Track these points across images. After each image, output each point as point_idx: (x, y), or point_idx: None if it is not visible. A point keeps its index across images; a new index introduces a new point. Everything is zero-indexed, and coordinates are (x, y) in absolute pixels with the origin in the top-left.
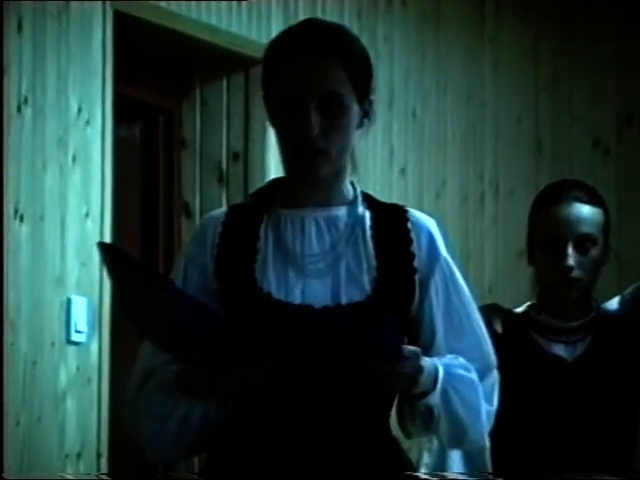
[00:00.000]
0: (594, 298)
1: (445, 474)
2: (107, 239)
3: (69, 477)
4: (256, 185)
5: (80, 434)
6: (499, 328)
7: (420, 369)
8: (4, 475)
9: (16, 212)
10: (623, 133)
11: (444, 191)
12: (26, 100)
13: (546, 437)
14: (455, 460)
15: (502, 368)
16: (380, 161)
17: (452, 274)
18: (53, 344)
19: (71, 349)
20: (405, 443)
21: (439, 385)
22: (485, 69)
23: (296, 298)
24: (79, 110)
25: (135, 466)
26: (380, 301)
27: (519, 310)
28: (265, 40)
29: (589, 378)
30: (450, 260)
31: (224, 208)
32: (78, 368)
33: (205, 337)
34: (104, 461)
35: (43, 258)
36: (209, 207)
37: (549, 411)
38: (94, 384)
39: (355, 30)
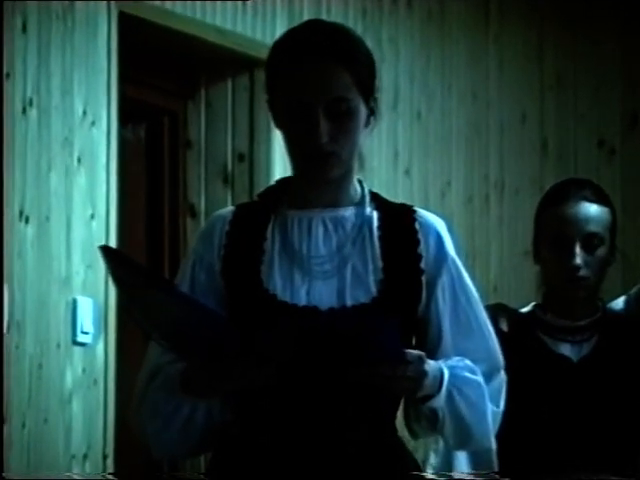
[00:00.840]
0: (600, 298)
1: (451, 474)
2: (113, 240)
3: (75, 477)
4: (261, 186)
5: (86, 435)
6: (505, 328)
7: (424, 373)
8: (4, 475)
9: (21, 213)
10: (628, 133)
11: (449, 191)
12: (31, 101)
13: (552, 437)
14: (461, 461)
15: (508, 368)
16: (385, 161)
17: (460, 275)
18: (59, 345)
19: (77, 350)
20: (411, 444)
21: (444, 388)
22: (490, 69)
23: (301, 299)
24: (84, 111)
25: (144, 465)
26: (386, 302)
27: (525, 310)
28: (270, 41)
29: (595, 378)
30: (458, 261)
31: (232, 207)
32: (84, 369)
33: (206, 339)
34: (110, 462)
35: (48, 259)
36: (214, 208)
37: (555, 411)
38: (100, 385)
39: (360, 31)
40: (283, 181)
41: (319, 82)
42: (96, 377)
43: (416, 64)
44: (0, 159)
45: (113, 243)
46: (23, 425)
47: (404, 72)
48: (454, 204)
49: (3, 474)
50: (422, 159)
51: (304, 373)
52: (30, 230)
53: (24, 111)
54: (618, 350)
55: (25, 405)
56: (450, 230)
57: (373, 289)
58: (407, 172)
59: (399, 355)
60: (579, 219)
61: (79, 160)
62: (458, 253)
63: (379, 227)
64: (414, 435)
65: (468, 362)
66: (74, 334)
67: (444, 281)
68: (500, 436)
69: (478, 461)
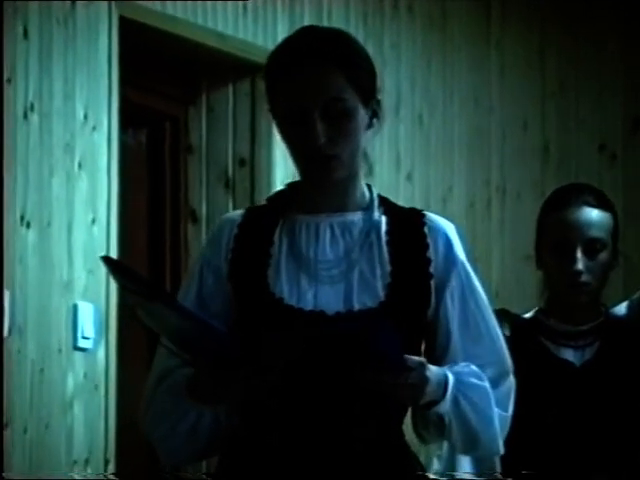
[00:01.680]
0: (602, 302)
1: (454, 474)
2: (114, 245)
3: (76, 477)
4: (263, 191)
5: (88, 440)
6: (508, 333)
7: (426, 379)
8: (4, 475)
9: (23, 218)
10: (629, 137)
11: (451, 196)
12: (32, 106)
13: (555, 441)
14: (465, 467)
15: None
16: (387, 166)
17: (469, 279)
18: (60, 350)
19: (78, 355)
20: (413, 447)
21: (449, 394)
22: (491, 74)
23: (308, 304)
24: (85, 116)
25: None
26: (393, 307)
27: (528, 315)
28: (271, 46)
29: (598, 383)
30: (467, 265)
31: (241, 210)
32: (85, 374)
33: (208, 350)
34: (112, 467)
35: (50, 264)
36: (216, 213)
37: (558, 416)
38: (101, 390)
39: (361, 36)
40: (293, 185)
41: (313, 84)
42: (97, 382)
43: (418, 69)
44: (1, 164)
45: (114, 248)
46: (25, 430)
47: (406, 77)
48: (456, 209)
49: (3, 474)
50: (424, 164)
51: (307, 379)
52: (31, 235)
53: (25, 116)
54: (621, 355)
55: (27, 410)
56: (460, 234)
57: (381, 293)
58: (409, 177)
59: (400, 362)
60: (581, 224)
61: (80, 165)
62: (468, 257)
63: (387, 232)
64: (423, 441)
65: (474, 368)
66: (75, 339)
67: (453, 285)
68: (504, 441)
69: (481, 467)
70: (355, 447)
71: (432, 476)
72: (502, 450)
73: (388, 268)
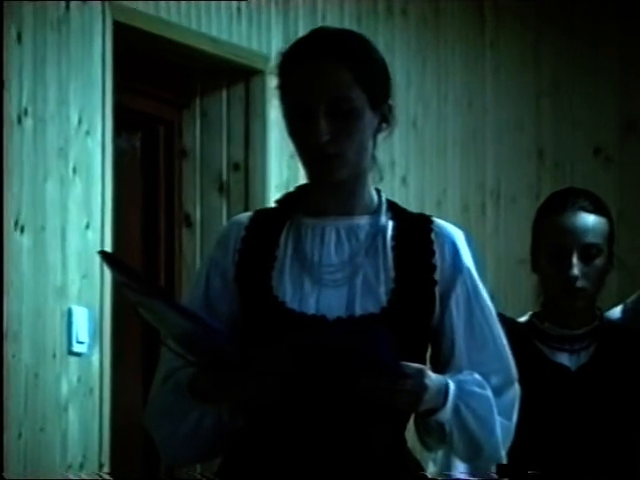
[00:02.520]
0: (598, 306)
1: (450, 473)
2: (108, 250)
3: (71, 477)
4: (257, 195)
5: (82, 444)
6: None
7: (424, 387)
8: (4, 475)
9: (17, 223)
10: (625, 140)
11: (445, 199)
12: (26, 111)
13: (550, 445)
14: (460, 468)
15: None
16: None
17: (475, 287)
18: (54, 355)
19: (72, 360)
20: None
21: (449, 402)
22: (486, 75)
23: (310, 308)
24: (79, 121)
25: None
26: (395, 313)
27: (522, 319)
28: (265, 51)
29: (593, 386)
30: (474, 272)
31: (249, 213)
32: (79, 379)
33: (207, 350)
34: (106, 470)
35: (44, 269)
36: (210, 217)
37: (553, 420)
38: (96, 394)
39: None
40: (301, 188)
41: (319, 81)
42: (92, 386)
43: (412, 71)
44: None
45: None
46: (19, 434)
47: (400, 79)
48: (450, 212)
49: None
50: (418, 167)
51: (306, 385)
52: (26, 240)
53: (19, 121)
54: (616, 358)
55: (21, 414)
56: (468, 241)
57: (383, 299)
58: (404, 180)
59: (396, 368)
60: (577, 230)
61: (74, 170)
62: (476, 264)
63: (393, 237)
64: (427, 448)
65: (477, 376)
66: (69, 344)
67: (458, 293)
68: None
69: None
70: (359, 452)
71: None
72: (504, 459)
73: (392, 273)
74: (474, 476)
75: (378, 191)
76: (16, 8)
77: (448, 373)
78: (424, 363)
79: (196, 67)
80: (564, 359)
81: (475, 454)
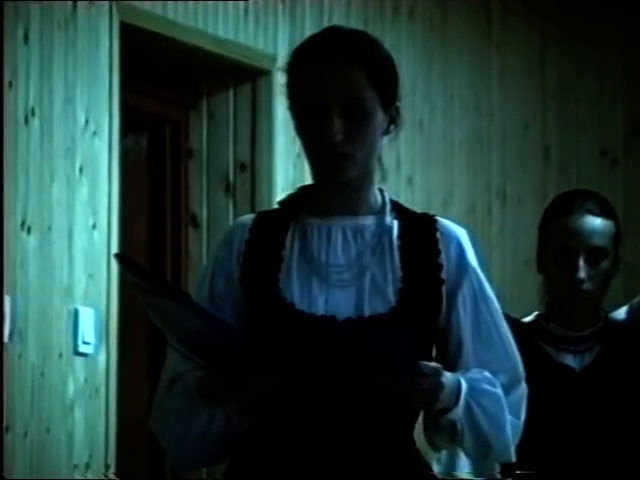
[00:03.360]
0: (602, 307)
1: (455, 474)
2: (114, 250)
3: (77, 477)
4: (263, 196)
5: (88, 445)
6: None
7: (441, 385)
8: (4, 475)
9: (23, 223)
10: (631, 142)
11: (451, 200)
12: (33, 111)
13: (555, 446)
14: (464, 468)
15: None
16: (388, 171)
17: (481, 285)
18: (61, 355)
19: (78, 360)
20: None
21: (462, 400)
22: (492, 78)
23: (319, 309)
24: (86, 121)
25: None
26: (404, 312)
27: (527, 319)
28: (272, 51)
29: (598, 387)
30: (479, 271)
31: (253, 214)
32: (86, 379)
33: (219, 349)
34: (112, 471)
35: (50, 269)
36: (216, 218)
37: (558, 420)
38: (102, 395)
39: None
40: (305, 188)
41: (335, 82)
42: (98, 387)
43: (418, 73)
44: (2, 168)
45: (115, 253)
46: (25, 434)
47: (406, 81)
48: (456, 213)
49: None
50: (424, 168)
51: (318, 384)
52: (32, 240)
53: (26, 121)
54: (621, 359)
55: (27, 414)
56: (472, 240)
57: (392, 299)
58: (410, 181)
59: (415, 368)
60: (584, 233)
61: (81, 170)
62: (480, 263)
63: (399, 236)
64: (435, 447)
65: (487, 374)
66: (75, 344)
67: (465, 292)
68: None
69: (480, 471)
70: (360, 452)
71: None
72: (514, 458)
73: (399, 273)
74: (478, 476)
75: (381, 191)
76: (23, 8)
77: (455, 372)
78: (431, 362)
79: (203, 67)
80: (569, 360)
81: (484, 452)
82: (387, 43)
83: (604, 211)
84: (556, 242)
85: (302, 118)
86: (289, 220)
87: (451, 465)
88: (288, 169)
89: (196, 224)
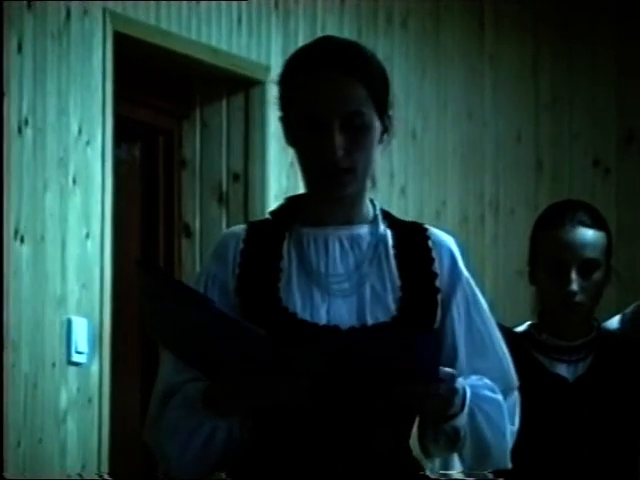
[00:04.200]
0: (595, 317)
1: (448, 472)
2: (107, 260)
3: (73, 476)
4: (256, 206)
5: (81, 454)
6: None
7: (455, 391)
8: (4, 475)
9: (17, 233)
10: (623, 152)
11: (444, 210)
12: (27, 121)
13: (548, 456)
14: (456, 466)
15: None
16: (380, 180)
17: (473, 293)
18: (54, 365)
19: (72, 370)
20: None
21: (467, 406)
22: (485, 87)
23: (322, 319)
24: (79, 131)
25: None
26: (405, 321)
27: (520, 329)
28: (265, 61)
29: (591, 397)
30: (471, 279)
31: (243, 225)
32: (79, 389)
33: (238, 354)
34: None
35: (44, 279)
36: (209, 228)
37: (551, 430)
38: (95, 404)
39: None
40: (294, 199)
41: (335, 96)
42: (91, 396)
43: (411, 83)
44: None
45: (108, 263)
46: (18, 444)
47: (399, 91)
48: (449, 223)
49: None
50: (417, 178)
51: (334, 391)
52: (25, 249)
53: (20, 131)
54: (614, 369)
55: (20, 424)
56: (458, 246)
57: (392, 308)
58: (402, 191)
59: (433, 372)
60: (576, 245)
61: (74, 180)
62: (468, 269)
63: (394, 246)
64: (428, 455)
65: (487, 381)
66: (69, 354)
67: (459, 299)
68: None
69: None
70: (364, 456)
71: (432, 476)
72: (510, 464)
73: (398, 282)
74: (470, 476)
75: (371, 200)
76: (17, 18)
77: None
78: None
79: (196, 77)
80: (562, 370)
81: (483, 459)
82: (380, 53)
83: (596, 222)
84: (548, 254)
85: (299, 130)
86: (283, 230)
87: (444, 464)
88: (281, 179)
89: (189, 234)
